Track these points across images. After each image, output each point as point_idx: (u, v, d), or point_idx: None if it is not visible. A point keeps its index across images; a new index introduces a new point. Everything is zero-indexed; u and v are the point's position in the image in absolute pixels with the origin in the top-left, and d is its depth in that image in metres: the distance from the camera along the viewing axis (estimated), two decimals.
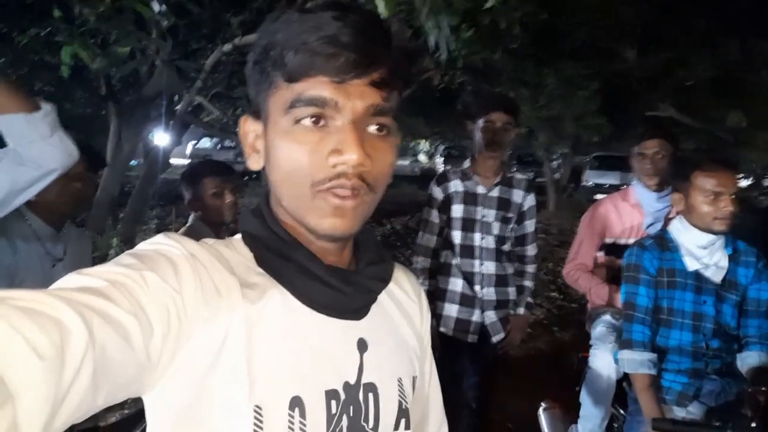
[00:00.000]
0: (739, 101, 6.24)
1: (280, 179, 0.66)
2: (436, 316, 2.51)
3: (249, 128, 0.71)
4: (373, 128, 0.65)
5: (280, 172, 0.66)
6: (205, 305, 0.59)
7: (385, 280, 0.76)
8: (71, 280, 0.54)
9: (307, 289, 0.67)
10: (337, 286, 0.68)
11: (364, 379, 0.69)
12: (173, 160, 13.39)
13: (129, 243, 5.15)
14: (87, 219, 4.91)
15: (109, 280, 0.53)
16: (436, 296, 2.52)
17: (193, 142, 21.47)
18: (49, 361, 0.43)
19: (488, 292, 2.48)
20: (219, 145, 21.36)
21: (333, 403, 0.65)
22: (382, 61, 0.63)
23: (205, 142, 21.55)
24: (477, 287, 2.48)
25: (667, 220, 2.43)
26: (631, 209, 2.52)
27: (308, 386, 0.64)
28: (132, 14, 2.24)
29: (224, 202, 2.18)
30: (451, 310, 2.49)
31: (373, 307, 0.74)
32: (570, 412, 2.56)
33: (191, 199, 2.20)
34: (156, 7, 2.21)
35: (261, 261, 0.68)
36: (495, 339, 2.50)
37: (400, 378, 0.74)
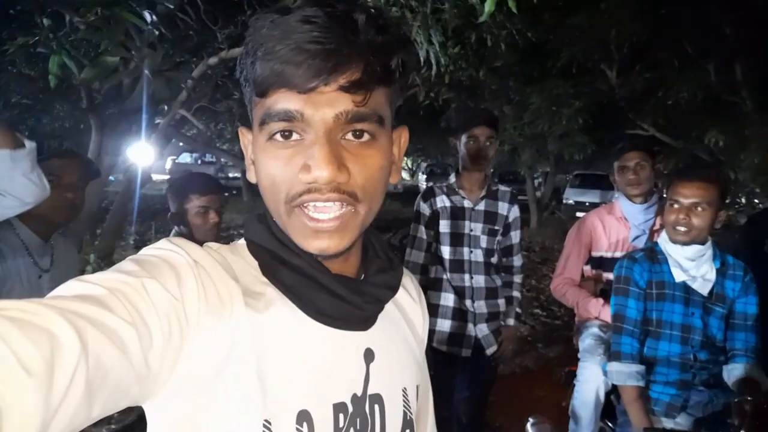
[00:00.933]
0: (719, 122, 6.40)
1: (263, 194, 0.64)
2: (429, 332, 2.49)
3: (246, 140, 0.70)
4: (351, 136, 0.60)
5: (261, 188, 0.64)
6: (207, 314, 0.58)
7: (393, 289, 0.72)
8: (70, 287, 0.52)
9: (313, 300, 0.65)
10: (345, 296, 0.65)
11: (371, 390, 0.68)
12: (153, 176, 13.25)
13: (107, 259, 5.06)
14: (65, 234, 4.81)
15: (108, 288, 0.52)
16: (427, 312, 2.50)
17: (173, 157, 21.27)
18: (38, 377, 0.41)
19: (479, 305, 2.49)
20: (200, 160, 21.20)
21: (341, 416, 0.64)
22: (351, 62, 0.58)
23: (186, 157, 21.35)
24: (468, 301, 2.48)
25: (653, 232, 2.47)
26: (617, 223, 2.55)
27: (316, 399, 0.62)
28: (122, 24, 2.22)
29: (207, 221, 2.08)
30: (444, 325, 2.49)
31: (381, 316, 0.72)
32: (559, 426, 2.55)
33: (174, 212, 2.13)
34: (147, 17, 2.20)
35: (266, 270, 0.66)
36: (489, 351, 2.50)
37: (405, 388, 0.73)
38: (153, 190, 15.02)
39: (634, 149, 2.45)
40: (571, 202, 14.83)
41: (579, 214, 4.59)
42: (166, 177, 19.47)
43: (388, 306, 0.74)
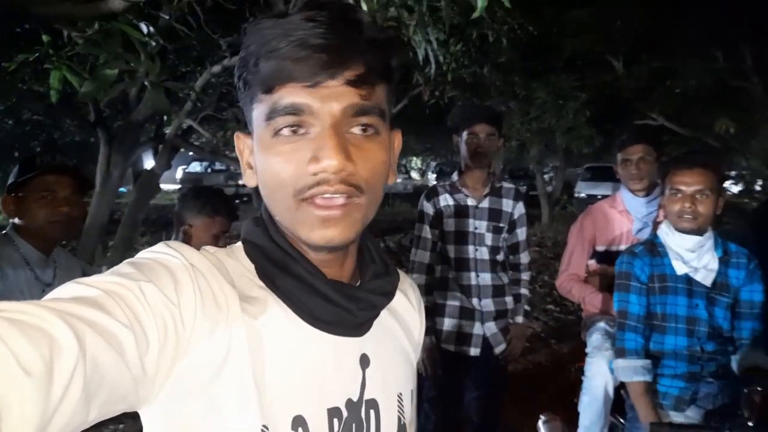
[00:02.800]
0: (729, 109, 6.31)
1: (268, 193, 0.65)
2: (436, 332, 2.49)
3: (242, 145, 0.70)
4: (357, 129, 0.62)
5: (267, 186, 0.64)
6: (204, 318, 0.58)
7: (389, 295, 0.72)
8: (67, 289, 0.53)
9: (308, 306, 0.65)
10: (339, 302, 0.65)
11: (366, 396, 0.68)
12: (163, 186, 13.37)
13: None
14: (77, 247, 4.88)
15: (105, 290, 0.52)
16: (434, 312, 2.51)
17: (183, 166, 21.44)
18: (37, 378, 0.42)
19: (486, 304, 2.48)
20: (209, 169, 21.34)
21: (335, 421, 0.64)
22: (355, 58, 0.60)
23: (196, 166, 21.51)
24: (475, 300, 2.48)
25: (656, 225, 2.44)
26: (619, 216, 2.53)
27: (310, 405, 0.62)
28: (120, 37, 2.24)
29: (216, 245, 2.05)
30: (452, 324, 2.48)
31: (376, 322, 0.72)
32: (571, 424, 2.53)
33: (183, 222, 2.06)
34: (144, 29, 2.22)
35: (262, 274, 0.66)
36: (497, 350, 2.49)
37: (400, 393, 0.73)
38: (164, 199, 15.15)
39: (637, 142, 2.42)
40: (583, 195, 14.70)
41: None
42: (177, 186, 19.63)
43: (384, 312, 0.74)
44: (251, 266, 0.67)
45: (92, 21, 2.29)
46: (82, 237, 4.54)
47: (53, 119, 8.25)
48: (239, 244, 0.70)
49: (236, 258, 0.67)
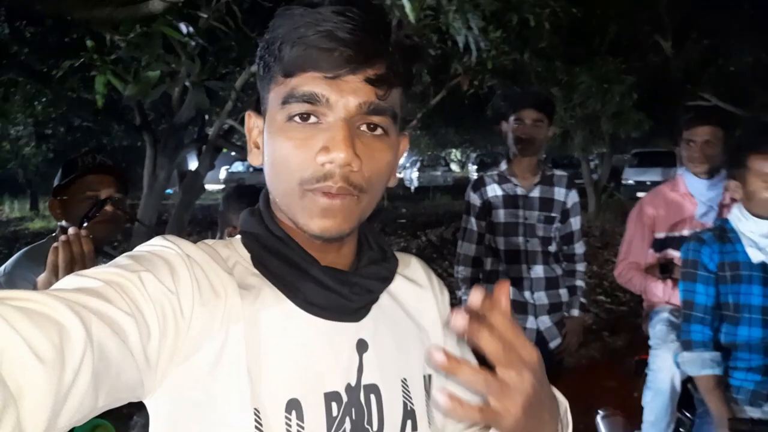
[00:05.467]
0: None
1: (272, 175, 0.66)
2: None
3: (252, 124, 0.72)
4: (368, 127, 0.63)
5: (272, 169, 0.66)
6: (202, 306, 0.59)
7: (385, 280, 0.73)
8: (69, 281, 0.54)
9: (302, 291, 0.66)
10: (332, 287, 0.66)
11: (365, 381, 0.68)
12: (208, 186, 13.67)
13: None
14: (127, 249, 5.01)
15: (105, 281, 0.54)
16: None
17: (226, 167, 21.87)
18: (49, 364, 0.43)
19: (539, 297, 2.40)
20: (251, 168, 21.70)
21: (334, 405, 0.65)
22: (379, 57, 0.61)
23: (238, 166, 21.91)
24: (527, 293, 2.39)
25: (722, 208, 2.31)
26: (681, 199, 2.41)
27: (306, 389, 0.63)
28: (161, 39, 2.26)
29: None
30: None
31: (375, 307, 0.72)
32: (631, 418, 2.42)
33: (229, 223, 2.06)
34: (183, 29, 2.23)
35: (256, 261, 0.68)
36: (552, 345, 2.41)
37: (405, 378, 0.72)
38: (209, 200, 15.49)
39: (705, 123, 2.30)
40: (630, 182, 14.31)
41: (640, 194, 4.38)
42: (221, 186, 20.05)
43: (384, 298, 0.74)
44: (247, 255, 0.69)
45: (133, 24, 2.32)
46: (132, 238, 4.66)
47: (101, 125, 8.53)
48: (238, 236, 0.72)
49: (233, 249, 0.69)
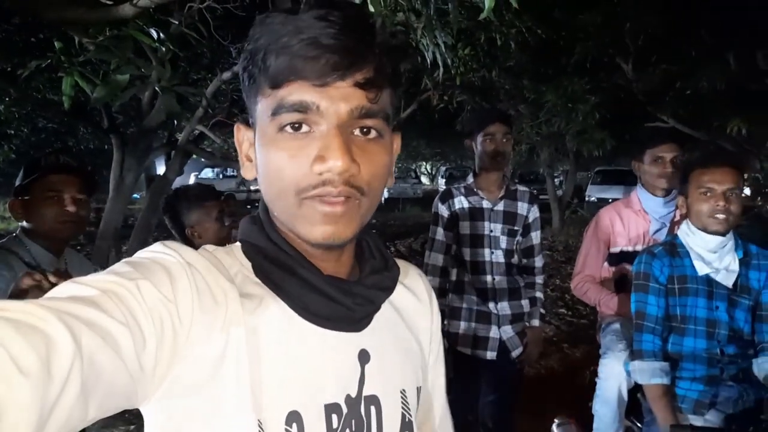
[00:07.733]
0: (742, 111, 6.23)
1: (268, 188, 0.65)
2: (451, 336, 2.47)
3: (242, 137, 0.70)
4: (361, 132, 0.62)
5: (267, 181, 0.64)
6: (201, 314, 0.58)
7: (388, 290, 0.72)
8: (64, 289, 0.53)
9: (305, 301, 0.65)
10: (336, 297, 0.65)
11: (366, 392, 0.67)
12: None
13: None
14: (91, 251, 4.91)
15: (102, 289, 0.52)
16: (449, 315, 2.49)
17: (195, 173, 21.57)
18: (34, 378, 0.42)
19: (503, 307, 2.46)
20: (221, 175, 21.47)
21: (334, 417, 0.64)
22: (366, 60, 0.60)
23: (207, 173, 21.64)
24: (491, 303, 2.45)
25: (673, 225, 2.41)
26: (636, 216, 2.49)
27: (306, 400, 0.62)
28: (131, 43, 2.26)
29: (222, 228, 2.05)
30: (468, 328, 2.46)
31: (376, 317, 0.71)
32: (586, 428, 2.49)
33: (183, 230, 2.05)
34: (155, 35, 2.23)
35: (258, 271, 0.66)
36: (514, 354, 2.47)
37: (404, 390, 0.72)
38: None
39: (671, 141, 2.40)
40: (593, 199, 14.62)
41: None
42: None
43: (387, 308, 0.74)
44: (248, 264, 0.67)
45: (103, 27, 2.31)
46: (96, 241, 4.58)
47: (67, 127, 8.34)
48: (237, 243, 0.71)
49: (234, 256, 0.68)
